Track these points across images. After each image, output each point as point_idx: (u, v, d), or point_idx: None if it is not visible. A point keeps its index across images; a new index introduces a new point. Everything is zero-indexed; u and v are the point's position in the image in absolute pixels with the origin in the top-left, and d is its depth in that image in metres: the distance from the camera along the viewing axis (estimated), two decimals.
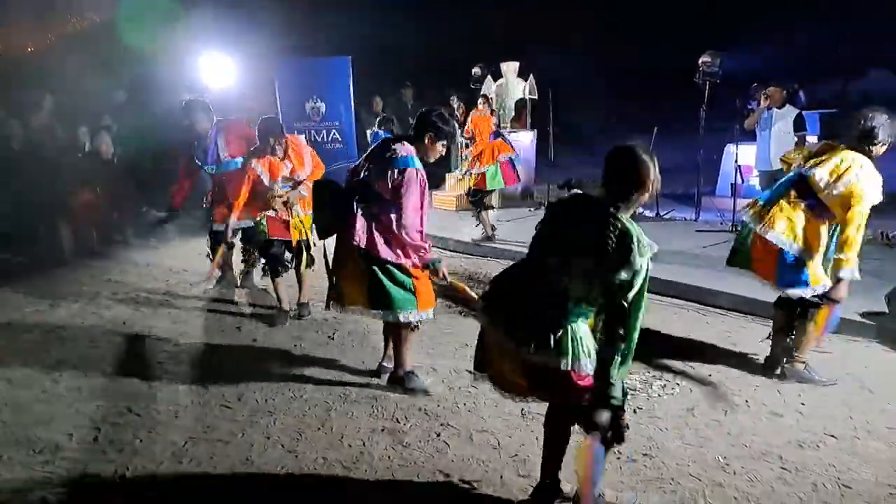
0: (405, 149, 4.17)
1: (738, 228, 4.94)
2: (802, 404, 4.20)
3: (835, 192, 4.17)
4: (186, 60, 10.57)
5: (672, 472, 3.50)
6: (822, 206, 4.25)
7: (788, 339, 4.57)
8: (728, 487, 3.35)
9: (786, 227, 4.32)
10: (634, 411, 4.09)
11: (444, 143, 4.28)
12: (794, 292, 4.36)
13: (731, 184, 9.28)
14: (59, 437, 3.98)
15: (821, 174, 4.22)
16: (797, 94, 8.96)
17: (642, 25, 15.03)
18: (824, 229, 4.32)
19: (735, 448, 3.71)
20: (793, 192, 4.36)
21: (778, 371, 4.60)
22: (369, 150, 4.43)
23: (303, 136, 6.27)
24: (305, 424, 4.07)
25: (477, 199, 8.55)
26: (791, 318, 4.52)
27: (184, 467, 3.64)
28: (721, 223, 8.85)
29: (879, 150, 4.25)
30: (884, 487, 3.34)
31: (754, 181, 9.39)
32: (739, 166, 8.98)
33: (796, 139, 8.13)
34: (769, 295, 4.65)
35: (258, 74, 11.45)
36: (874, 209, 4.21)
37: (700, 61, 8.91)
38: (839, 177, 4.17)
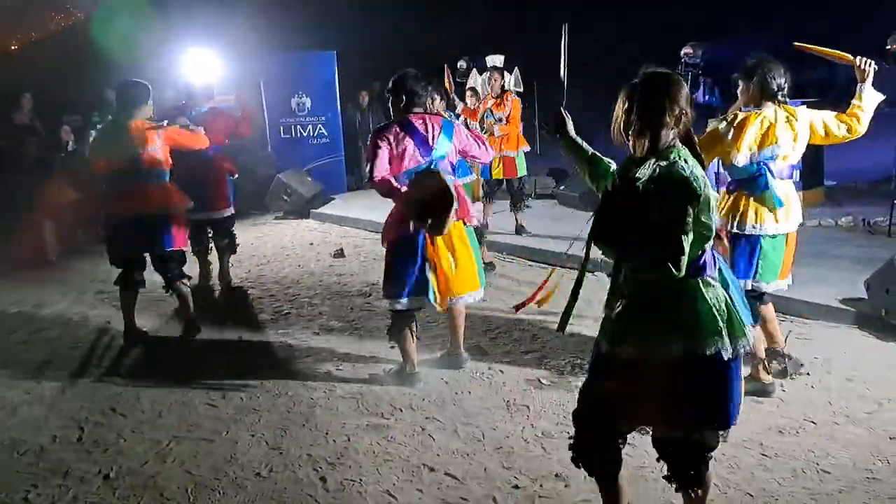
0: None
1: None
2: (783, 391, 4.23)
3: None
4: (170, 57, 10.48)
5: (654, 459, 3.52)
6: None
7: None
8: None
9: None
10: None
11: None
12: None
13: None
14: (43, 438, 3.98)
15: None
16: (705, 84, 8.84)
17: (627, 16, 15.07)
18: None
19: None
20: None
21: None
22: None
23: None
24: (290, 421, 4.08)
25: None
26: None
27: (168, 466, 3.65)
28: None
29: None
30: (862, 472, 3.37)
31: None
32: None
33: None
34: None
35: (243, 70, 11.37)
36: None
37: (682, 52, 8.92)
38: None
